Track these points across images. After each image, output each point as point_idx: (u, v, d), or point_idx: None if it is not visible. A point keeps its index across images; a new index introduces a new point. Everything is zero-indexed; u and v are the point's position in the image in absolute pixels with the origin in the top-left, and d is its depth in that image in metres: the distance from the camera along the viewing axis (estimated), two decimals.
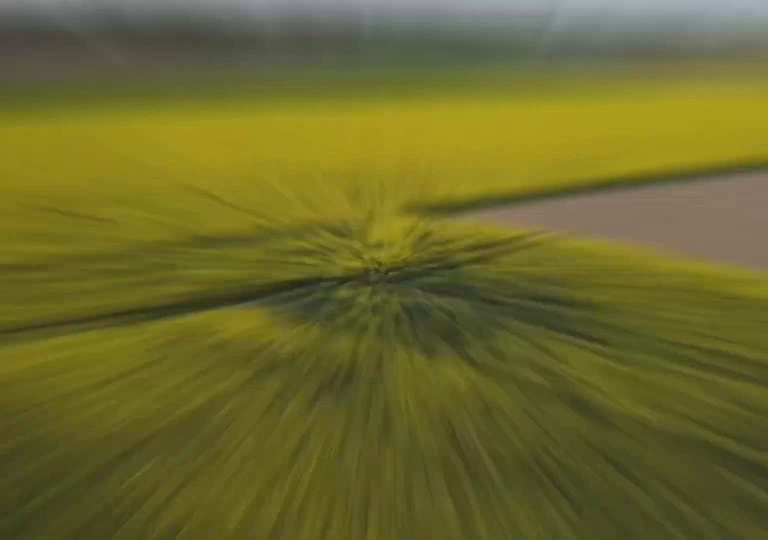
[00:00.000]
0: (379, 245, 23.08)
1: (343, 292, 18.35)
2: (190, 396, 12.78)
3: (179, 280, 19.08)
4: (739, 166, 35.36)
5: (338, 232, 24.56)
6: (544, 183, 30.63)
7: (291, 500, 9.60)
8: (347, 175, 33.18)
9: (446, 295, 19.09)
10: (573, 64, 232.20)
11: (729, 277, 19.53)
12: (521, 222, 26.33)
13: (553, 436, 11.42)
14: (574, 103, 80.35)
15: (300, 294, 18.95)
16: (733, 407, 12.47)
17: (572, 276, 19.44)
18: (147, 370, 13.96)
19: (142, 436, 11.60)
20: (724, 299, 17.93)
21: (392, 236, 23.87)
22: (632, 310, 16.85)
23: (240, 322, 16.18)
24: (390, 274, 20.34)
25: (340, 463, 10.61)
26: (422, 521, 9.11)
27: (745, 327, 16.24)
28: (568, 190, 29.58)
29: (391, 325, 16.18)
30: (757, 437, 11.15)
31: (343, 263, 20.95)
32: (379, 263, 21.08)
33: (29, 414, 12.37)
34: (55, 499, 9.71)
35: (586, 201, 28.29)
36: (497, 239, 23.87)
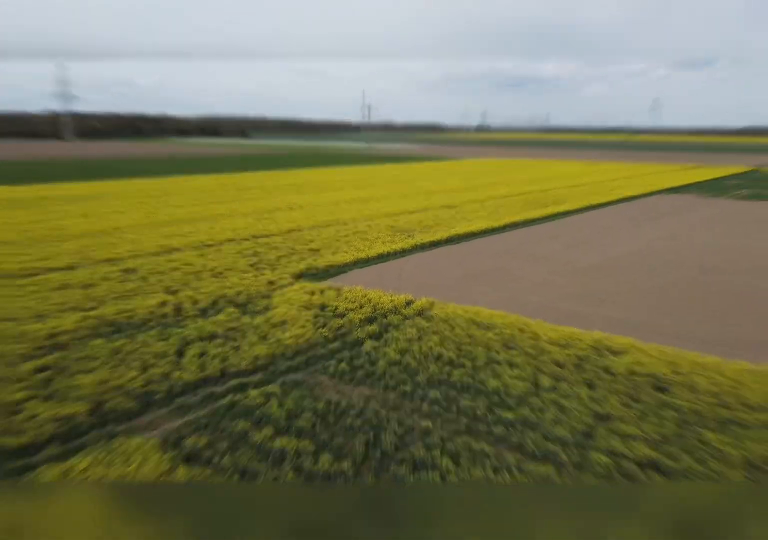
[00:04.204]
0: (282, 323, 16.48)
1: (253, 394, 11.72)
2: None
3: (68, 393, 11.59)
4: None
5: (244, 309, 17.76)
6: (396, 248, 26.63)
7: None
8: (247, 246, 26.35)
9: (354, 383, 13.13)
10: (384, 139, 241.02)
11: (596, 343, 14.47)
12: (387, 279, 21.52)
13: None
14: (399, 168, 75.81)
15: (206, 397, 12.17)
16: None
17: (466, 353, 13.73)
18: None
19: None
20: (604, 373, 12.88)
21: (293, 311, 17.48)
22: (544, 396, 11.47)
23: (129, 467, 8.91)
24: (297, 359, 14.12)
25: None
26: None
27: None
28: (410, 252, 26.64)
29: (311, 451, 9.95)
30: None
31: (250, 350, 14.02)
32: (286, 346, 14.71)
33: None
34: None
35: (422, 257, 25.61)
36: (384, 309, 18.19)
